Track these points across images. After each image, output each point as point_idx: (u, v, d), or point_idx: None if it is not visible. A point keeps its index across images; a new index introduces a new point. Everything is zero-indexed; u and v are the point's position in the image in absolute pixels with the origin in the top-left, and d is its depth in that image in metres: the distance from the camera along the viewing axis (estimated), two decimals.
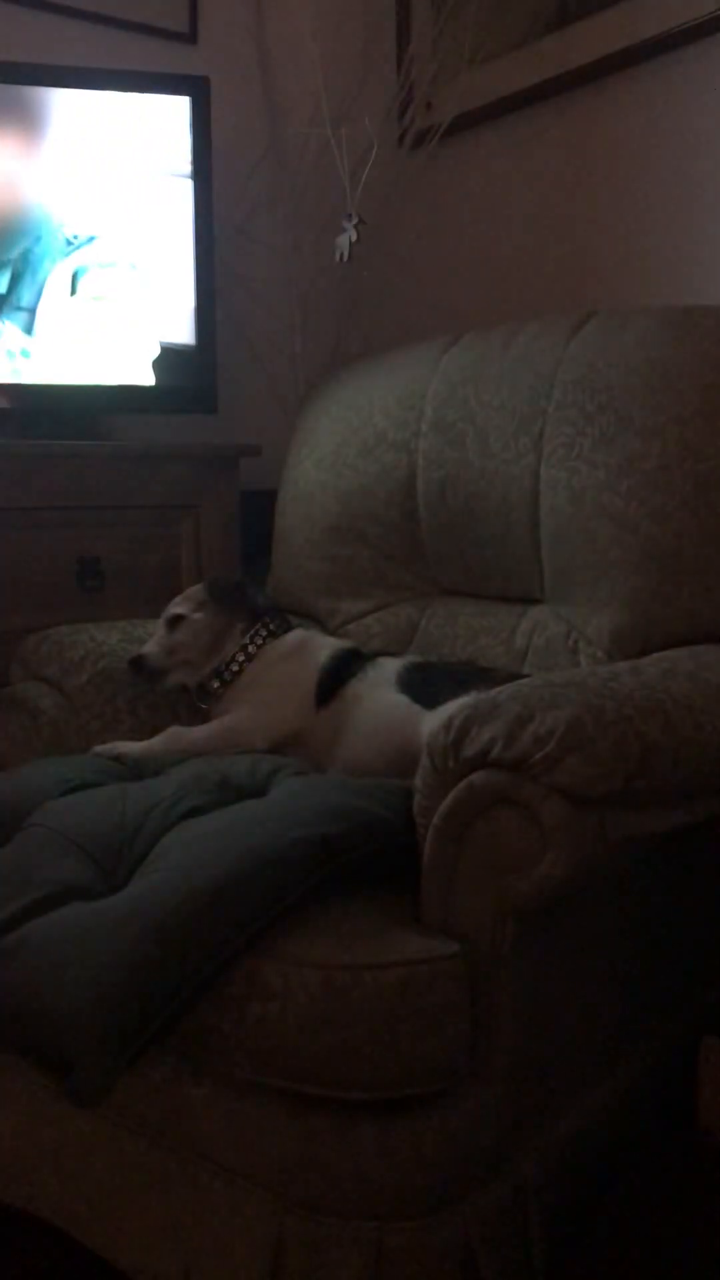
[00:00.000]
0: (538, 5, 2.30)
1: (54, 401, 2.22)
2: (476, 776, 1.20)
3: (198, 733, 1.71)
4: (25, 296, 2.18)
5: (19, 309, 2.18)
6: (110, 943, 1.16)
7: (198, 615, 1.82)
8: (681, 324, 1.72)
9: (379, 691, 1.67)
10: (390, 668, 1.70)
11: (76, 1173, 1.30)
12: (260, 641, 1.82)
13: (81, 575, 2.15)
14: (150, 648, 1.80)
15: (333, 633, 2.03)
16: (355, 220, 2.42)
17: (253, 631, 1.82)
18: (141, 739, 1.73)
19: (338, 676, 1.73)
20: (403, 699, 1.62)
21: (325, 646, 1.82)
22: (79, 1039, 1.11)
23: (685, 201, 2.10)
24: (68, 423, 2.24)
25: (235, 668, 1.80)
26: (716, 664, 1.46)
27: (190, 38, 2.58)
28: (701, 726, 1.29)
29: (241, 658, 1.81)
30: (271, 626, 1.84)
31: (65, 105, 2.16)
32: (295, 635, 1.85)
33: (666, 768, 1.24)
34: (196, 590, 1.86)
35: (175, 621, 1.82)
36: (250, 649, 1.81)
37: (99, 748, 1.71)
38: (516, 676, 1.49)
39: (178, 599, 1.86)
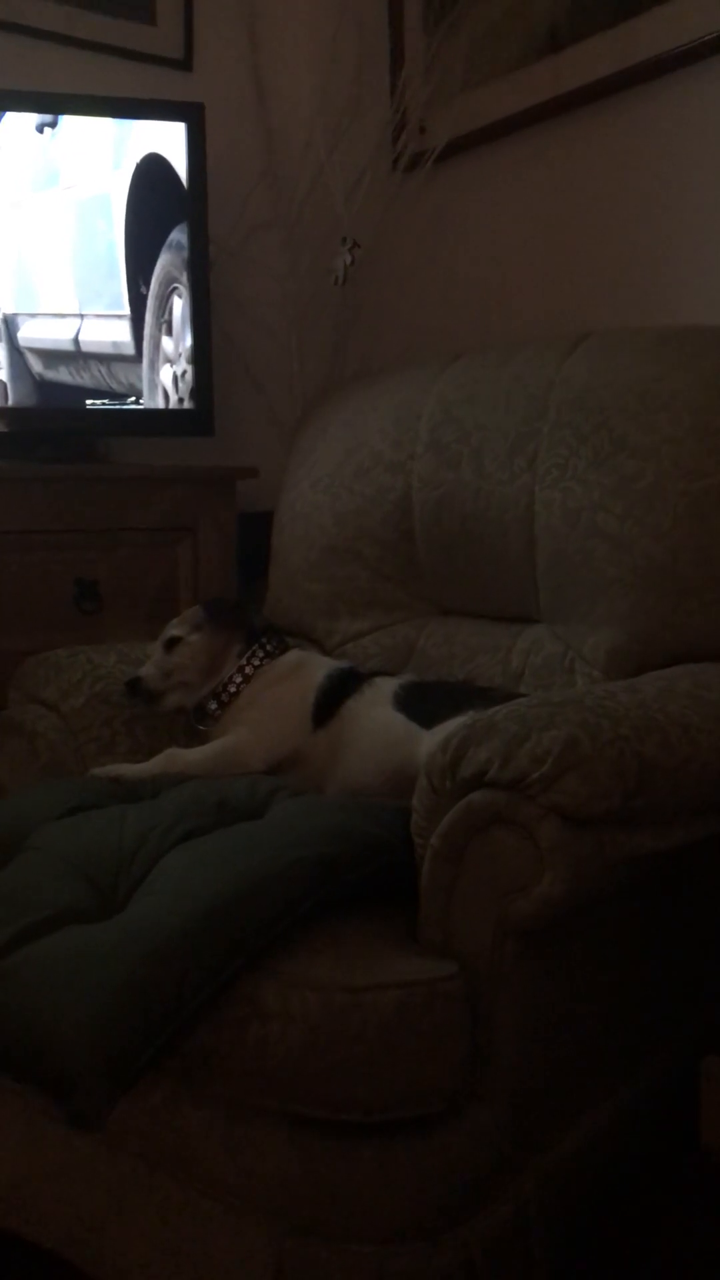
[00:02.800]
0: (530, 30, 2.32)
1: (52, 424, 2.23)
2: (474, 796, 1.21)
3: (195, 754, 1.71)
4: None
5: None
6: (109, 965, 1.16)
7: (195, 637, 1.82)
8: (674, 344, 1.73)
9: (376, 711, 1.67)
10: (387, 688, 1.70)
11: (75, 1196, 1.29)
12: (257, 663, 1.82)
13: (79, 597, 2.15)
14: (147, 670, 1.80)
15: (330, 653, 2.03)
16: (350, 243, 2.44)
17: (250, 653, 1.82)
18: (139, 761, 1.73)
19: (335, 697, 1.73)
20: (400, 719, 1.62)
21: (322, 667, 1.82)
22: (78, 1062, 1.10)
23: (679, 223, 2.12)
24: (66, 445, 2.24)
25: (232, 689, 1.80)
26: (713, 682, 1.46)
27: (185, 65, 2.61)
28: (699, 745, 1.29)
29: (239, 679, 1.80)
30: (269, 647, 1.84)
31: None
32: (292, 656, 1.85)
33: (664, 787, 1.24)
34: (194, 612, 1.87)
35: (173, 643, 1.82)
36: (247, 670, 1.81)
37: (96, 770, 1.70)
38: (513, 696, 1.49)
39: (175, 621, 1.86)
